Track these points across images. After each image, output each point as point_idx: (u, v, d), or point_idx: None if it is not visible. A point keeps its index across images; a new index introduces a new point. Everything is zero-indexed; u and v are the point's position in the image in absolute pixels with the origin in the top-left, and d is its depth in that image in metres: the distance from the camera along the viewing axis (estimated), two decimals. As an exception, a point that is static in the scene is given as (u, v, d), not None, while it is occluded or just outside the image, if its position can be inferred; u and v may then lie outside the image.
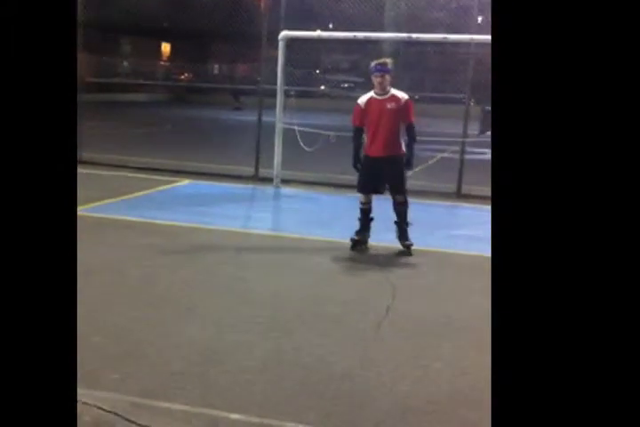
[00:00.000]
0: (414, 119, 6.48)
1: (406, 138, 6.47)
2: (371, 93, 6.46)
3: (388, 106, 6.33)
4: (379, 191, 6.63)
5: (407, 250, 6.54)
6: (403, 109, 6.36)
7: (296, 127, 10.26)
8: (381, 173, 6.47)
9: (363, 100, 6.48)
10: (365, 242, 6.64)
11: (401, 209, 6.57)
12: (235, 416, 3.25)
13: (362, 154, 6.61)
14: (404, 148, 6.48)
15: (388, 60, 6.42)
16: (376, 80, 6.36)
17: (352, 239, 6.52)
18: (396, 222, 6.60)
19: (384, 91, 6.39)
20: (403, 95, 6.41)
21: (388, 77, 6.36)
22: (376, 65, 6.36)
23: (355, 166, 6.61)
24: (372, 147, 6.46)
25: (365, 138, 6.57)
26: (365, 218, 6.64)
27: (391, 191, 6.58)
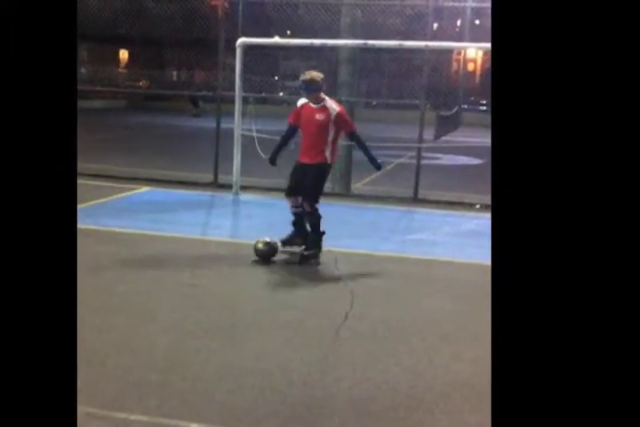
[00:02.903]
0: (354, 126, 6.52)
1: (358, 147, 6.49)
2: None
3: (317, 116, 6.26)
4: (294, 194, 6.55)
5: (301, 258, 6.39)
6: (334, 121, 6.27)
7: (254, 134, 10.26)
8: (300, 178, 6.45)
9: (301, 101, 6.44)
10: (299, 244, 6.59)
11: (309, 219, 6.47)
12: (194, 426, 3.25)
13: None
14: (327, 157, 6.39)
15: (315, 77, 6.26)
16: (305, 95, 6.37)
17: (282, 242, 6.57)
18: (309, 232, 6.55)
19: (317, 100, 6.32)
20: (334, 107, 6.29)
21: (315, 94, 6.28)
22: (302, 83, 6.29)
23: (270, 161, 6.68)
24: (300, 152, 6.52)
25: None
26: (298, 221, 6.61)
27: (302, 199, 6.47)
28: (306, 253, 6.42)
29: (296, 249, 6.57)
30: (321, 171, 6.42)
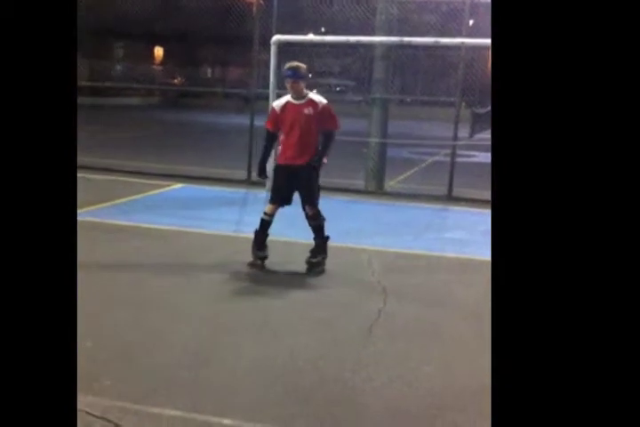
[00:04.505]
0: (339, 124, 5.96)
1: (322, 141, 5.95)
2: (287, 97, 5.97)
3: (305, 111, 5.84)
4: (288, 202, 6.04)
5: (309, 266, 5.99)
6: (321, 115, 5.86)
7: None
8: (293, 183, 5.95)
9: (279, 103, 5.99)
10: (263, 258, 6.07)
11: (314, 223, 6.02)
12: (226, 421, 3.26)
13: (275, 163, 6.11)
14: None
15: (302, 65, 5.90)
16: (287, 85, 5.91)
17: (257, 256, 6.05)
18: (314, 238, 6.06)
19: (300, 95, 5.88)
20: (320, 100, 5.90)
21: (301, 83, 5.86)
22: (287, 70, 5.87)
23: (259, 175, 6.15)
24: (285, 154, 5.97)
25: (280, 145, 6.08)
26: (263, 232, 6.09)
27: (302, 202, 6.00)
28: (313, 260, 6.02)
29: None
30: (316, 170, 6.01)
